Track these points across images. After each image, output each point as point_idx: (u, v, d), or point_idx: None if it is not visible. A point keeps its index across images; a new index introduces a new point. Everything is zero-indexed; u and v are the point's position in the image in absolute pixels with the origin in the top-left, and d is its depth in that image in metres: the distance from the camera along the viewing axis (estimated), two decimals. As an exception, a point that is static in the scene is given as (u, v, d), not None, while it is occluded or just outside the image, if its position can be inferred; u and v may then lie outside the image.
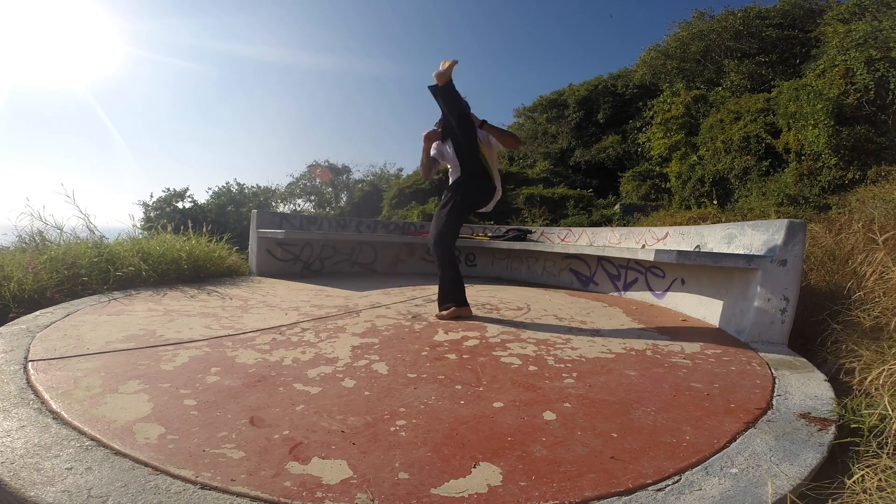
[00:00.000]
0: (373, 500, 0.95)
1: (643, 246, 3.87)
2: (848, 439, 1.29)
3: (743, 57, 10.97)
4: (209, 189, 10.04)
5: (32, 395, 1.37)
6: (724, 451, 1.20)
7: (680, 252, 2.50)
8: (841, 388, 1.69)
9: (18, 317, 2.25)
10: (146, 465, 1.04)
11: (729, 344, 2.27)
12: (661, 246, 3.69)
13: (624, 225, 7.91)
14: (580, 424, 1.33)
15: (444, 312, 2.73)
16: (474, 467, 1.09)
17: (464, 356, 1.95)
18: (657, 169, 10.97)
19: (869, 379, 1.56)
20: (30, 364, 1.61)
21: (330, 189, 20.63)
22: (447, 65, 2.52)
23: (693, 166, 8.98)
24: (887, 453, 1.16)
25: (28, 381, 1.46)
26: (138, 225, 5.55)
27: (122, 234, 3.91)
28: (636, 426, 1.33)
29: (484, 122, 2.75)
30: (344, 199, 20.22)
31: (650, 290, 3.59)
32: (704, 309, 2.89)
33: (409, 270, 5.19)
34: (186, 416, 1.28)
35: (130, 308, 2.58)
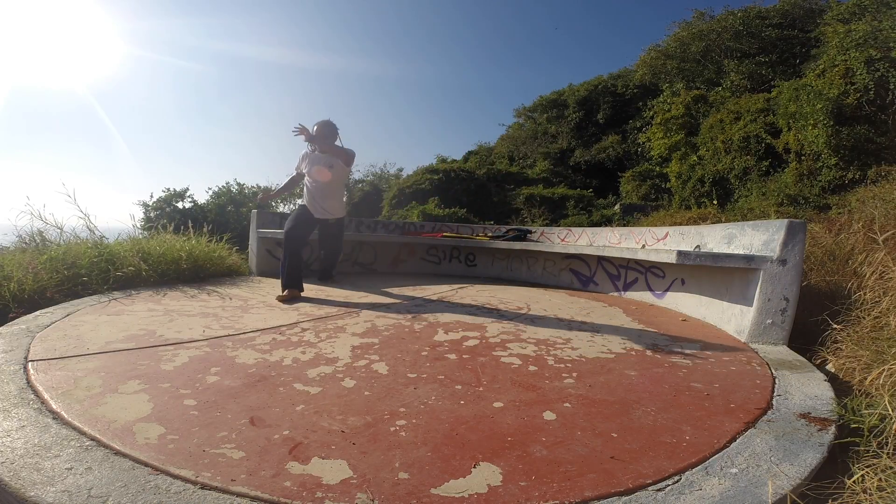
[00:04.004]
0: (373, 500, 0.95)
1: (643, 246, 3.87)
2: (848, 439, 1.29)
3: (743, 57, 10.96)
4: (209, 189, 10.02)
5: (32, 395, 1.37)
6: (724, 451, 1.20)
7: (680, 252, 2.50)
8: (841, 388, 1.69)
9: (18, 317, 2.25)
10: (146, 465, 1.04)
11: (729, 344, 2.27)
12: (661, 246, 3.69)
13: (624, 225, 7.91)
14: (580, 424, 1.33)
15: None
16: (474, 467, 1.09)
17: (464, 356, 1.95)
18: (657, 169, 10.95)
19: (869, 379, 1.56)
20: (30, 364, 1.61)
21: (330, 189, 20.57)
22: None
23: (693, 166, 8.97)
24: (887, 453, 1.16)
25: (28, 381, 1.46)
26: (138, 225, 5.55)
27: (123, 234, 3.91)
28: (636, 426, 1.33)
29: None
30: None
31: (650, 290, 3.59)
32: (704, 309, 2.89)
33: (409, 270, 5.19)
34: (186, 416, 1.28)
35: (130, 308, 2.58)
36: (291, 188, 3.63)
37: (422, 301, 3.25)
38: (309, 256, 4.66)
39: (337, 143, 3.44)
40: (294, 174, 3.62)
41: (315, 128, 3.34)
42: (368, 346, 2.05)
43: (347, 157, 3.41)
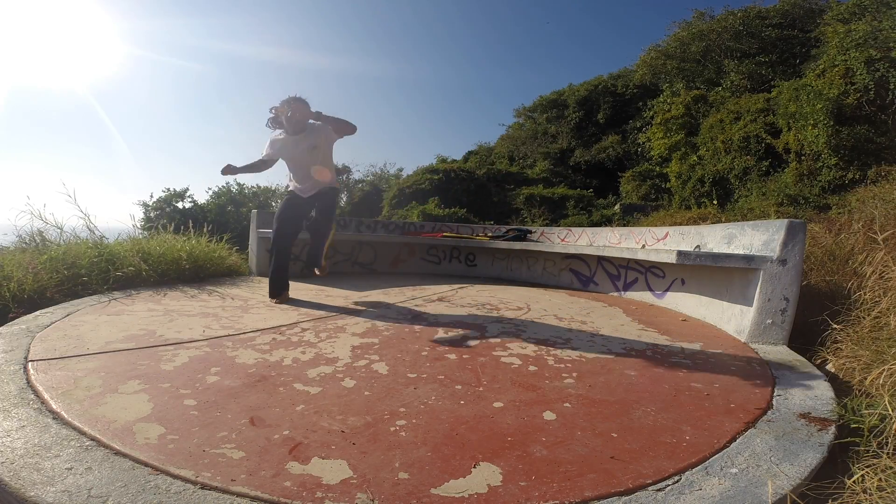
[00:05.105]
0: (373, 500, 0.95)
1: (643, 246, 3.87)
2: (848, 439, 1.29)
3: (743, 57, 10.97)
4: (209, 189, 10.02)
5: (32, 395, 1.37)
6: (724, 451, 1.20)
7: (680, 252, 2.50)
8: (841, 388, 1.69)
9: (18, 317, 2.25)
10: (146, 465, 1.04)
11: (729, 344, 2.27)
12: (661, 246, 3.69)
13: (624, 225, 7.91)
14: (580, 424, 1.33)
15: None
16: (474, 467, 1.09)
17: (464, 356, 1.95)
18: (657, 169, 10.96)
19: (869, 379, 1.56)
20: (30, 364, 1.61)
21: (330, 189, 20.57)
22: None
23: (693, 166, 8.97)
24: (887, 453, 1.16)
25: (28, 381, 1.46)
26: (138, 225, 5.56)
27: (123, 234, 3.91)
28: (636, 426, 1.33)
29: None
30: (344, 199, 20.21)
31: (650, 290, 3.59)
32: (704, 309, 2.89)
33: (409, 270, 5.19)
34: (186, 416, 1.28)
35: (130, 308, 2.58)
36: (255, 170, 3.10)
37: (422, 301, 3.25)
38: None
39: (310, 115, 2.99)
40: (261, 158, 3.10)
41: (289, 113, 2.92)
42: (368, 345, 2.05)
43: (338, 123, 2.91)
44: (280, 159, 3.13)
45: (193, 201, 9.28)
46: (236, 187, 10.32)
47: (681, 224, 5.47)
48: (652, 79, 13.18)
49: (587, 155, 14.97)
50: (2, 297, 2.54)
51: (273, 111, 3.03)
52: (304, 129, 3.02)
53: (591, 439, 1.24)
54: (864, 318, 2.03)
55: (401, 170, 20.20)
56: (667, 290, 3.41)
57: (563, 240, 4.89)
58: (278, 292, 3.03)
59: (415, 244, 5.22)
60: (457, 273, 5.17)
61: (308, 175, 3.11)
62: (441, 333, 2.33)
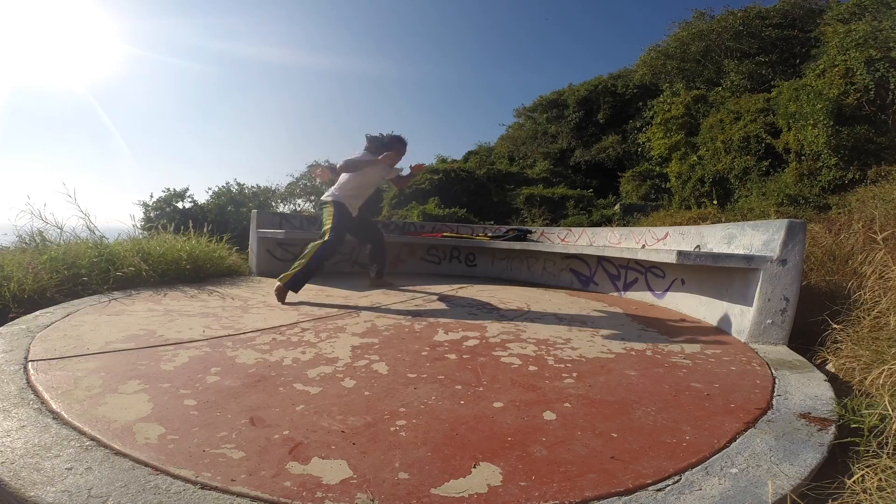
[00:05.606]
0: (373, 500, 0.95)
1: (643, 246, 3.87)
2: (848, 439, 1.29)
3: (743, 57, 10.97)
4: (209, 189, 10.01)
5: (32, 395, 1.37)
6: (724, 451, 1.20)
7: (680, 252, 2.50)
8: (841, 388, 1.69)
9: (18, 317, 2.25)
10: (146, 465, 1.04)
11: (729, 344, 2.27)
12: (661, 246, 3.69)
13: (624, 225, 7.91)
14: (580, 424, 1.33)
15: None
16: (474, 467, 1.09)
17: (464, 356, 1.95)
18: (657, 169, 10.95)
19: (869, 379, 1.56)
20: (30, 364, 1.61)
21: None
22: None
23: (693, 166, 8.97)
24: (887, 453, 1.16)
25: (28, 381, 1.47)
26: (138, 225, 5.56)
27: (123, 234, 3.91)
28: (636, 426, 1.33)
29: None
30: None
31: (650, 290, 3.59)
32: (704, 309, 2.89)
33: (409, 270, 5.19)
34: (186, 416, 1.28)
35: (130, 308, 2.58)
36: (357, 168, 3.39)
37: (422, 301, 3.25)
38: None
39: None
40: (355, 162, 3.33)
41: (401, 151, 3.59)
42: (368, 346, 2.05)
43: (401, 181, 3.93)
44: (353, 175, 3.43)
45: (193, 201, 9.28)
46: (236, 187, 10.32)
47: (681, 224, 5.47)
48: (652, 79, 13.19)
49: (587, 155, 14.96)
50: (2, 297, 2.54)
51: (371, 139, 3.44)
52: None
53: (591, 439, 1.24)
54: (864, 318, 2.03)
55: (401, 170, 20.18)
56: (667, 290, 3.41)
57: (563, 240, 4.89)
58: (289, 291, 3.06)
59: (415, 244, 5.22)
60: (457, 273, 5.17)
61: (366, 197, 3.59)
62: (441, 333, 2.33)
